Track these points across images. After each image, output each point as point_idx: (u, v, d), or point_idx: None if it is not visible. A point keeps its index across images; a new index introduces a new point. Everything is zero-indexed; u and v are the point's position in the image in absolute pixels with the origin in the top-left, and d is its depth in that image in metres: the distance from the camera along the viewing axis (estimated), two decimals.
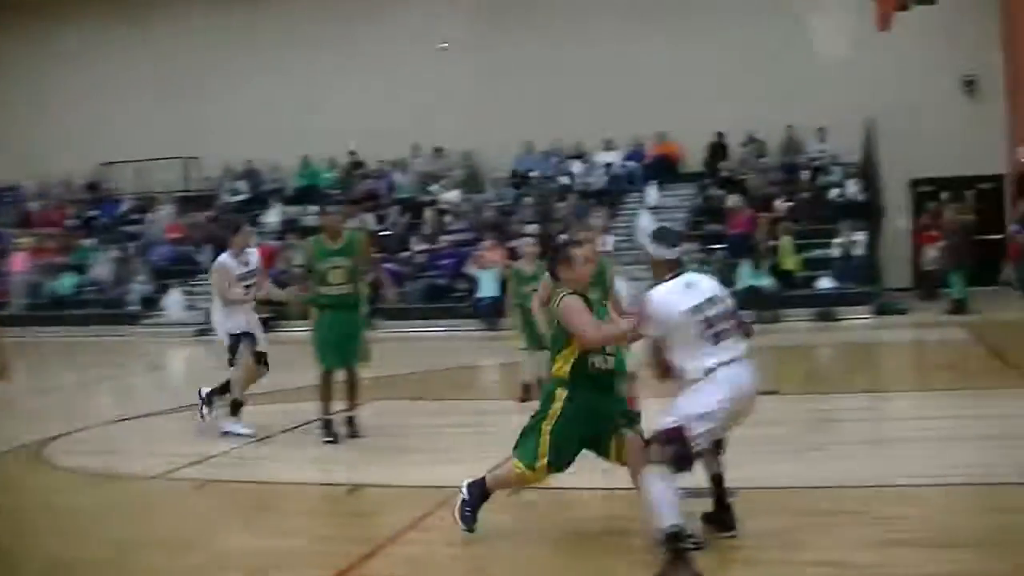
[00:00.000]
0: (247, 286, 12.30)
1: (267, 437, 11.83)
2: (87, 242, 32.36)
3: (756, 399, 6.93)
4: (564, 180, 30.06)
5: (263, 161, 33.38)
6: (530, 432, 7.24)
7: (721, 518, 7.18)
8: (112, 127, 34.10)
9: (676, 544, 6.33)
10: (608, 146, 30.74)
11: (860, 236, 24.75)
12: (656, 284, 7.00)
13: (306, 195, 31.72)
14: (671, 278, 6.95)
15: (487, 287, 24.98)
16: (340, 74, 32.59)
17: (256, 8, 33.70)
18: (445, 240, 27.54)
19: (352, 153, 32.08)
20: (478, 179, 31.18)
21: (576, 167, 30.59)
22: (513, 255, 26.29)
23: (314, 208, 30.80)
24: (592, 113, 30.42)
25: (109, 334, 27.46)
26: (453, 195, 30.06)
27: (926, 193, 28.54)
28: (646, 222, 27.09)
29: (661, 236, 7.13)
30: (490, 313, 24.40)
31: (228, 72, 33.64)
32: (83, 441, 12.28)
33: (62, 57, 35.07)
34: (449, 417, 13.01)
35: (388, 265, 27.21)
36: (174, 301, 28.13)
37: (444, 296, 26.46)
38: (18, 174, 35.76)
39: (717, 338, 6.76)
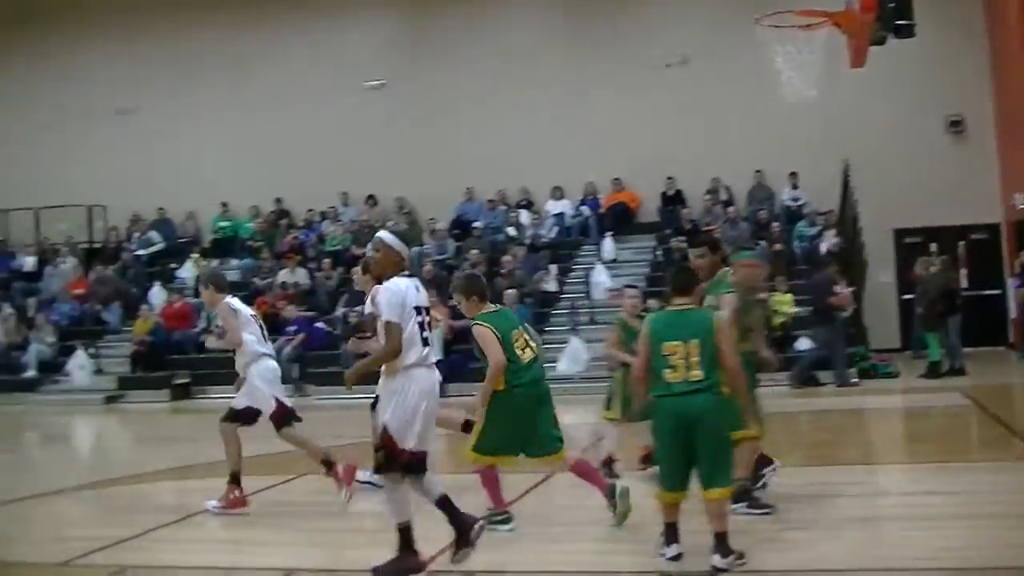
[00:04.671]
0: None
1: (188, 516, 11.60)
2: None
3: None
4: (511, 231, 29.97)
5: (177, 209, 33.18)
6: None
7: None
8: (2, 171, 33.73)
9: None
10: (558, 194, 30.69)
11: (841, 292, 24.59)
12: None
13: (226, 247, 31.62)
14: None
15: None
16: (262, 116, 32.39)
17: (161, 48, 33.45)
18: None
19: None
20: (415, 230, 30.89)
21: (524, 217, 30.50)
22: (456, 313, 26.18)
23: (235, 261, 30.70)
24: (539, 158, 30.45)
25: (2, 403, 27.03)
26: None
27: (912, 244, 28.43)
28: (603, 278, 27.15)
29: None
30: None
31: (136, 113, 33.33)
32: None
33: None
34: None
35: (318, 325, 27.03)
36: (78, 365, 27.65)
37: None
38: None
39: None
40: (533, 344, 10.19)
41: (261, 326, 12.00)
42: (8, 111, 34.42)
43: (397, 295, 8.53)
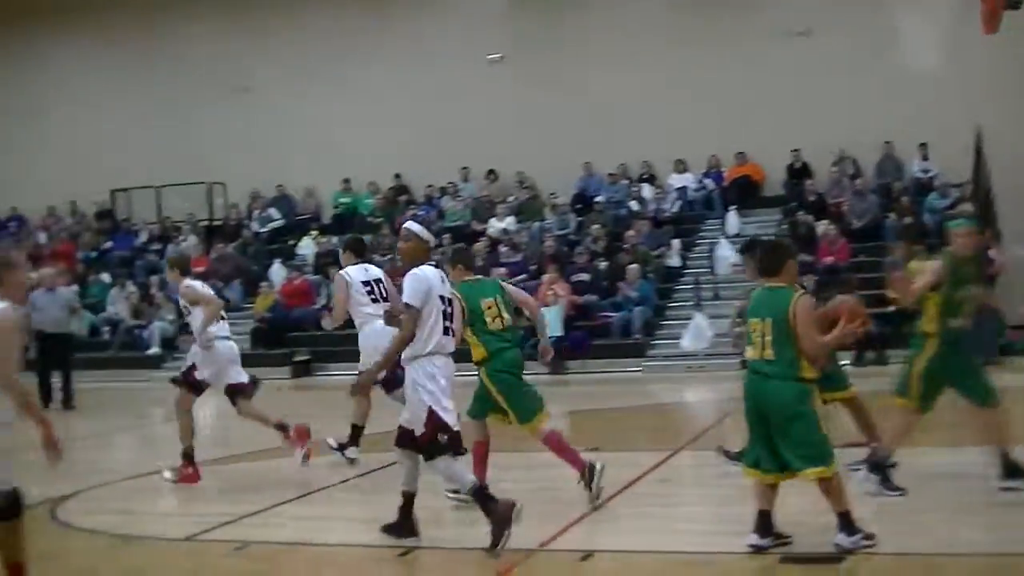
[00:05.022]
0: None
1: (309, 493, 11.73)
2: (101, 277, 32.42)
3: None
4: (634, 205, 29.79)
5: (296, 186, 33.52)
6: None
7: None
8: (124, 150, 34.26)
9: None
10: (681, 168, 30.51)
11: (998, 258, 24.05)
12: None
13: (346, 223, 31.88)
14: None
15: (550, 326, 24.45)
16: (381, 91, 32.57)
17: (280, 24, 33.70)
18: (499, 273, 27.25)
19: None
20: (536, 204, 30.98)
21: (646, 191, 30.28)
22: (577, 289, 26.17)
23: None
24: (661, 131, 30.09)
25: (127, 379, 27.57)
26: (508, 222, 29.86)
27: None
28: (727, 252, 26.95)
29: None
30: (555, 355, 24.02)
31: (255, 90, 33.72)
32: (101, 499, 12.25)
33: (65, 76, 35.50)
34: (512, 472, 12.76)
35: None
36: None
37: None
38: (20, 202, 36.24)
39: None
40: (506, 315, 10.49)
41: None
42: (127, 90, 35.01)
43: (423, 282, 9.10)
